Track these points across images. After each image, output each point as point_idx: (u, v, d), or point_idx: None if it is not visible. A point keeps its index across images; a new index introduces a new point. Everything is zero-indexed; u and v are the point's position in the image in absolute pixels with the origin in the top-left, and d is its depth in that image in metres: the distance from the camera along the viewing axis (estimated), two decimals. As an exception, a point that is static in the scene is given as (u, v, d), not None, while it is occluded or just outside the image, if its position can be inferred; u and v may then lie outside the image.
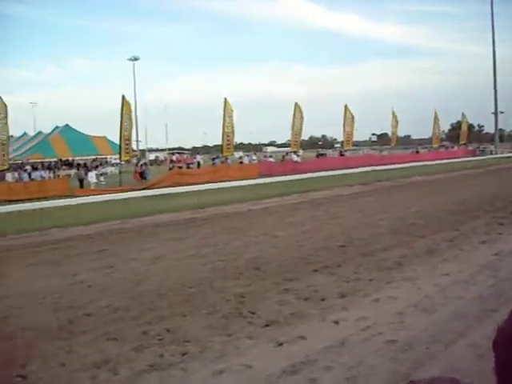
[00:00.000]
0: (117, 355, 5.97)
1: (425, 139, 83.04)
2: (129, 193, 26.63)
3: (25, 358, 6.03)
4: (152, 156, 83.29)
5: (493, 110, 69.13)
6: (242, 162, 50.51)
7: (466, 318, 6.74)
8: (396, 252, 10.82)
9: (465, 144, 67.20)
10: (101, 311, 7.69)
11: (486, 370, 3.89)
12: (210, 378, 5.31)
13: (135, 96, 66.04)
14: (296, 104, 44.20)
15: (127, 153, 35.73)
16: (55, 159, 53.30)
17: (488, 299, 7.45)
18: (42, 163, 51.14)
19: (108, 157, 60.39)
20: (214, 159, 50.47)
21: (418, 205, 18.35)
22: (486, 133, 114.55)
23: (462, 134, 66.00)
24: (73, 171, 38.77)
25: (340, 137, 65.74)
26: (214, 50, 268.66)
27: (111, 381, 5.36)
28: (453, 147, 73.50)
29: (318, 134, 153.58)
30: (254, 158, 55.78)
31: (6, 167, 31.47)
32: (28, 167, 45.31)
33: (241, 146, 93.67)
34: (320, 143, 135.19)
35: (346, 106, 48.67)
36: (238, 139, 45.75)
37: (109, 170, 52.42)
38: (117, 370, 5.58)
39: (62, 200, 24.66)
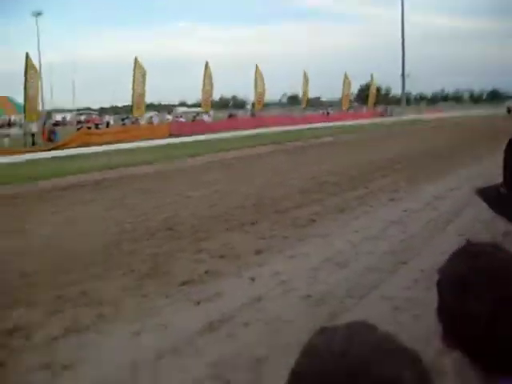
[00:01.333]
0: (29, 321, 5.76)
1: (335, 101, 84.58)
2: (36, 154, 25.67)
3: None
4: (59, 117, 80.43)
5: (401, 73, 70.99)
6: (151, 123, 49.67)
7: (377, 271, 6.94)
8: (309, 210, 10.99)
9: (373, 105, 68.87)
10: (10, 276, 7.37)
11: (402, 320, 4.01)
12: (127, 339, 5.22)
13: (39, 54, 63.32)
14: (206, 64, 43.68)
15: (32, 113, 34.28)
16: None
17: (398, 253, 7.71)
18: None
19: (12, 117, 57.74)
20: (123, 119, 49.35)
21: (328, 164, 18.70)
22: (394, 95, 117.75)
23: (370, 96, 67.56)
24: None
25: (251, 97, 65.78)
26: (123, 8, 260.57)
27: (25, 347, 5.16)
28: (361, 109, 75.21)
29: (229, 95, 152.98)
30: (169, 117, 55.00)
31: None
32: None
33: (151, 107, 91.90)
34: (231, 104, 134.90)
35: (256, 66, 48.57)
36: (147, 99, 44.76)
37: (12, 131, 50.20)
38: (30, 337, 5.38)
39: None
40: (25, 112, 33.97)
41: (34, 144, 33.54)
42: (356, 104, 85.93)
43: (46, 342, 5.22)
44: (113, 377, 4.54)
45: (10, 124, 56.00)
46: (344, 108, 62.80)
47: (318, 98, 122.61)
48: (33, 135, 35.28)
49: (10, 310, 6.14)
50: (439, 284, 1.08)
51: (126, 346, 5.10)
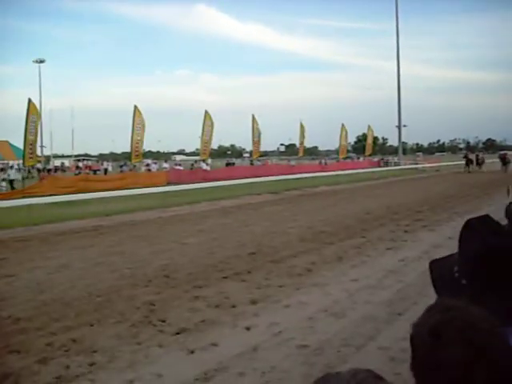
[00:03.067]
0: (19, 368, 5.66)
1: (331, 150, 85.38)
2: (33, 199, 25.60)
3: None
4: (58, 162, 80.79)
5: (397, 124, 71.65)
6: (149, 170, 49.85)
7: (374, 321, 6.88)
8: (305, 259, 10.96)
9: (370, 155, 69.33)
10: (1, 322, 7.29)
11: (399, 370, 3.95)
12: (119, 389, 5.13)
13: (40, 100, 63.87)
14: (206, 112, 44.08)
15: (31, 158, 34.45)
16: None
17: (395, 303, 7.65)
18: None
19: (10, 162, 58.04)
20: (121, 166, 49.58)
21: (326, 213, 18.73)
22: (390, 145, 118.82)
23: (367, 146, 68.07)
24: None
25: (249, 146, 66.28)
26: (123, 56, 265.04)
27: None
28: (358, 158, 75.66)
29: (227, 144, 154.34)
30: (166, 165, 55.24)
31: None
32: None
33: (149, 154, 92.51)
34: (229, 152, 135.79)
35: (253, 116, 49.05)
36: (146, 147, 45.14)
37: (12, 175, 50.31)
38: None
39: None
40: (24, 157, 34.11)
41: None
42: (353, 154, 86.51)
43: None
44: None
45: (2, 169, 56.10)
46: (341, 157, 63.19)
47: (316, 147, 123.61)
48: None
49: (0, 356, 6.05)
50: (412, 338, 1.08)
51: (118, 396, 5.01)
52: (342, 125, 61.50)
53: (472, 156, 53.98)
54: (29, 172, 41.44)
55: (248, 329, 6.79)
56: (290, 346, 6.08)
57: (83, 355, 5.97)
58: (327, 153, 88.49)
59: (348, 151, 75.17)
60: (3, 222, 17.87)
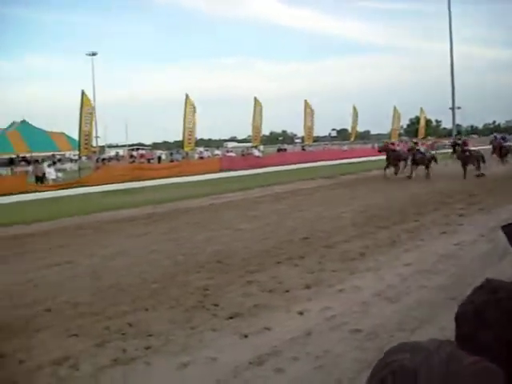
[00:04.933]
0: (78, 351, 5.82)
1: (383, 134, 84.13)
2: (88, 188, 26.21)
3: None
4: (112, 152, 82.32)
5: (450, 106, 70.11)
6: (202, 157, 50.29)
7: (429, 306, 6.78)
8: (358, 243, 10.87)
9: (423, 138, 68.07)
10: (62, 307, 7.49)
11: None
12: (174, 372, 5.21)
13: (94, 91, 64.96)
14: (255, 99, 44.11)
15: (86, 148, 35.19)
16: (13, 155, 52.08)
17: (450, 288, 7.51)
18: (1, 159, 49.90)
19: (67, 153, 59.32)
20: (171, 154, 50.15)
21: (378, 197, 18.54)
22: (444, 128, 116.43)
23: (420, 129, 66.87)
24: (31, 167, 37.86)
25: (300, 132, 66.03)
26: (175, 45, 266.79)
27: (72, 377, 5.21)
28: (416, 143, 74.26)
29: (279, 130, 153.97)
30: (218, 152, 55.58)
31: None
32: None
33: (201, 142, 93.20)
34: (280, 138, 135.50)
35: (305, 102, 48.83)
36: (198, 135, 45.50)
37: (68, 166, 51.57)
38: (78, 366, 5.43)
39: (20, 196, 24.23)
40: (79, 148, 34.85)
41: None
42: (406, 137, 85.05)
43: (93, 372, 5.26)
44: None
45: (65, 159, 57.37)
46: (394, 141, 62.29)
47: (368, 131, 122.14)
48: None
49: (61, 339, 6.23)
50: (457, 317, 1.06)
51: (173, 378, 5.08)
52: (394, 108, 60.62)
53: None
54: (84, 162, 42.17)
55: (301, 313, 6.78)
56: (343, 331, 6.05)
57: (139, 339, 6.09)
58: (379, 137, 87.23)
59: (400, 134, 73.88)
60: (61, 210, 18.38)
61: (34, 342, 6.20)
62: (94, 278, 9.15)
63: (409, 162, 27.95)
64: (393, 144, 32.34)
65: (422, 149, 29.72)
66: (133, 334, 6.28)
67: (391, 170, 28.33)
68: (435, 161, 27.21)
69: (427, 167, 26.54)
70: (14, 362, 5.66)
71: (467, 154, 26.34)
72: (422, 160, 26.93)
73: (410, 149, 28.85)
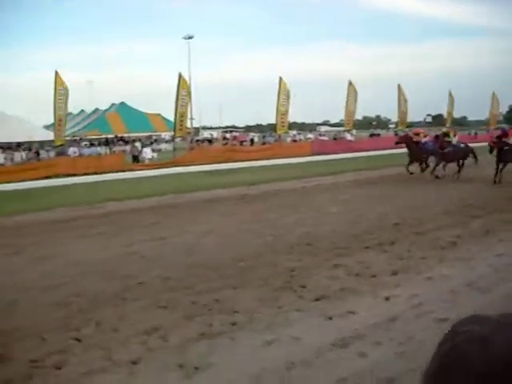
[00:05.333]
0: (167, 323, 6.07)
1: (481, 121, 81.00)
2: (182, 168, 26.87)
3: (80, 323, 6.18)
4: (206, 134, 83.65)
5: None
6: (295, 141, 50.26)
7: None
8: (450, 231, 10.62)
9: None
10: (153, 280, 7.82)
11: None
12: (258, 348, 5.33)
13: (190, 74, 66.07)
14: (350, 83, 43.55)
15: (181, 129, 35.96)
16: (111, 135, 54.02)
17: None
18: (99, 139, 51.95)
19: (162, 134, 60.86)
20: (264, 137, 50.40)
21: (474, 186, 17.96)
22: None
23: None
24: (128, 147, 39.18)
25: (395, 117, 64.63)
26: (267, 29, 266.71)
27: (161, 347, 5.44)
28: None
29: (372, 115, 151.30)
30: (310, 136, 55.43)
31: (61, 143, 31.99)
32: (85, 143, 45.97)
33: (294, 125, 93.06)
34: (374, 123, 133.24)
35: (399, 86, 47.66)
36: (291, 118, 45.50)
37: (163, 146, 52.94)
38: (167, 337, 5.67)
39: (117, 174, 25.22)
40: (175, 129, 35.67)
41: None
42: (505, 125, 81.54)
43: (181, 344, 5.47)
44: (241, 383, 4.66)
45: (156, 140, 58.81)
46: (492, 128, 59.81)
47: (464, 117, 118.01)
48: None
49: (151, 311, 6.51)
50: None
51: (257, 354, 5.20)
52: (493, 93, 58.21)
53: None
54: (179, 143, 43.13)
55: (387, 299, 6.74)
56: (428, 319, 5.96)
57: (225, 315, 6.26)
58: (476, 123, 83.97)
59: (499, 121, 70.87)
60: (156, 189, 19.00)
61: (127, 311, 6.52)
62: (185, 254, 9.46)
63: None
64: (417, 134, 23.56)
65: (454, 140, 22.41)
66: (219, 309, 6.47)
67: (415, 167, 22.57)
68: (474, 156, 21.47)
69: (460, 164, 21.31)
70: (110, 329, 5.99)
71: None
72: (456, 154, 21.31)
73: (436, 137, 22.97)
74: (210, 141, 57.68)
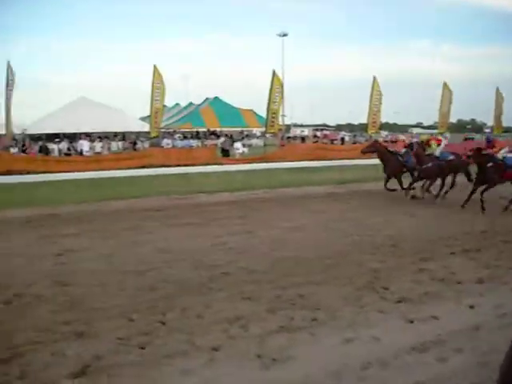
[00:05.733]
0: (249, 313, 6.27)
1: None
2: (272, 164, 27.10)
3: (165, 308, 6.50)
4: (297, 131, 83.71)
5: None
6: (386, 141, 49.56)
7: None
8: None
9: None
10: (238, 272, 8.06)
11: None
12: (337, 345, 5.42)
13: (283, 71, 66.33)
14: (444, 84, 42.31)
15: (272, 126, 36.22)
16: (204, 129, 55.00)
17: None
18: (191, 132, 53.07)
19: (254, 129, 61.42)
20: (355, 136, 49.98)
21: None
22: None
23: None
24: (219, 141, 39.87)
25: (490, 121, 62.37)
26: (361, 28, 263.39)
27: (241, 336, 5.65)
28: None
29: (467, 118, 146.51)
30: (402, 137, 54.54)
31: (155, 135, 32.93)
32: (178, 135, 47.13)
33: (386, 126, 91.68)
34: (469, 127, 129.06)
35: (497, 89, 45.75)
36: (383, 118, 44.84)
37: (254, 141, 53.54)
38: (248, 327, 5.87)
39: (208, 167, 25.80)
40: (266, 125, 35.97)
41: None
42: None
43: (261, 335, 5.66)
44: (317, 378, 4.78)
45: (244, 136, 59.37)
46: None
47: None
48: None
49: (234, 301, 6.74)
50: None
51: (335, 351, 5.30)
52: None
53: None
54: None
55: (472, 307, 6.65)
56: (514, 330, 5.87)
57: (307, 310, 6.39)
58: None
59: None
60: (245, 183, 19.35)
61: (212, 300, 6.78)
62: (271, 248, 9.67)
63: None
64: (396, 141, 16.83)
65: (437, 150, 17.20)
66: (302, 304, 6.60)
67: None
68: (467, 173, 16.74)
69: (444, 181, 16.86)
70: (194, 315, 6.26)
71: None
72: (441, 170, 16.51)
73: (408, 146, 17.49)
74: (302, 138, 57.77)
